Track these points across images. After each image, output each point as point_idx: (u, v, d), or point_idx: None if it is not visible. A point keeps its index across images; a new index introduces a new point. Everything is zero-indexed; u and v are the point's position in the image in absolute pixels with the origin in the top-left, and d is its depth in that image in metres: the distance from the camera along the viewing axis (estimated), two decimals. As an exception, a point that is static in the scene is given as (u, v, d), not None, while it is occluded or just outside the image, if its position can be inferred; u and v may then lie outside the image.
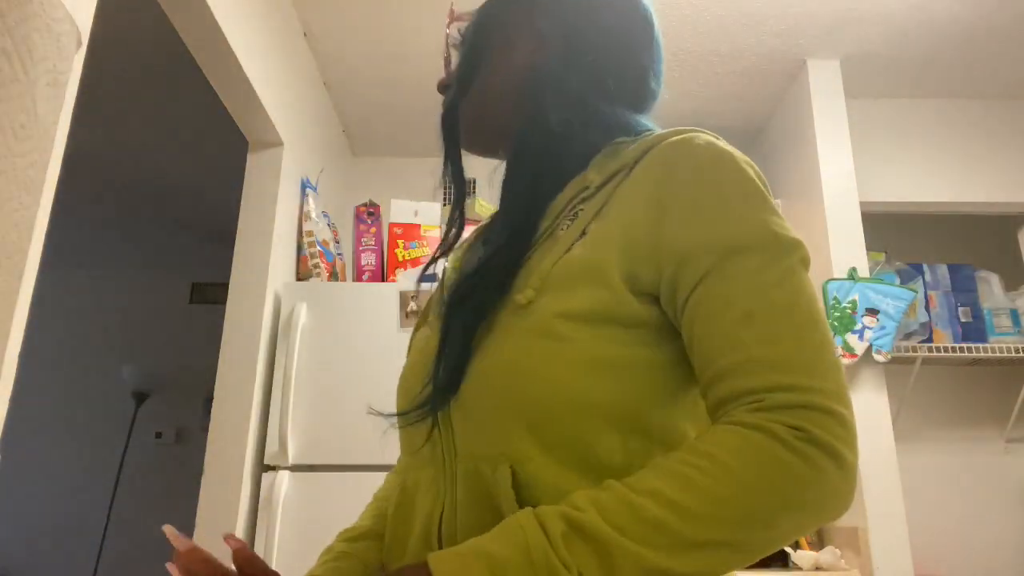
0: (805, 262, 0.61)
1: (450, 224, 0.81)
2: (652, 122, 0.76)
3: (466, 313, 0.66)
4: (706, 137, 0.65)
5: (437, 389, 0.65)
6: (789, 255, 0.60)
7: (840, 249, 2.40)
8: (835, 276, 2.35)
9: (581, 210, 0.68)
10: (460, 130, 0.80)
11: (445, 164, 0.80)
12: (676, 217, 0.61)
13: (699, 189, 0.62)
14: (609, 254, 0.61)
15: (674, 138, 0.66)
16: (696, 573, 0.51)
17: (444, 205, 2.81)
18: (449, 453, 0.65)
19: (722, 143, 0.65)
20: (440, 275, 0.83)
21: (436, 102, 0.85)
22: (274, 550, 1.89)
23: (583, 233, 0.65)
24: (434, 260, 0.81)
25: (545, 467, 0.59)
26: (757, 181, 0.63)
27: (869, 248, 2.49)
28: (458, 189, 0.80)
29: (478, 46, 0.78)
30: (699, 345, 0.59)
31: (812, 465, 0.52)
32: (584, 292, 0.61)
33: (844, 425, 0.53)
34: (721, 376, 0.57)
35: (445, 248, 0.81)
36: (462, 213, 0.81)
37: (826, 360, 0.56)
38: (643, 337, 0.61)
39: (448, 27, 0.85)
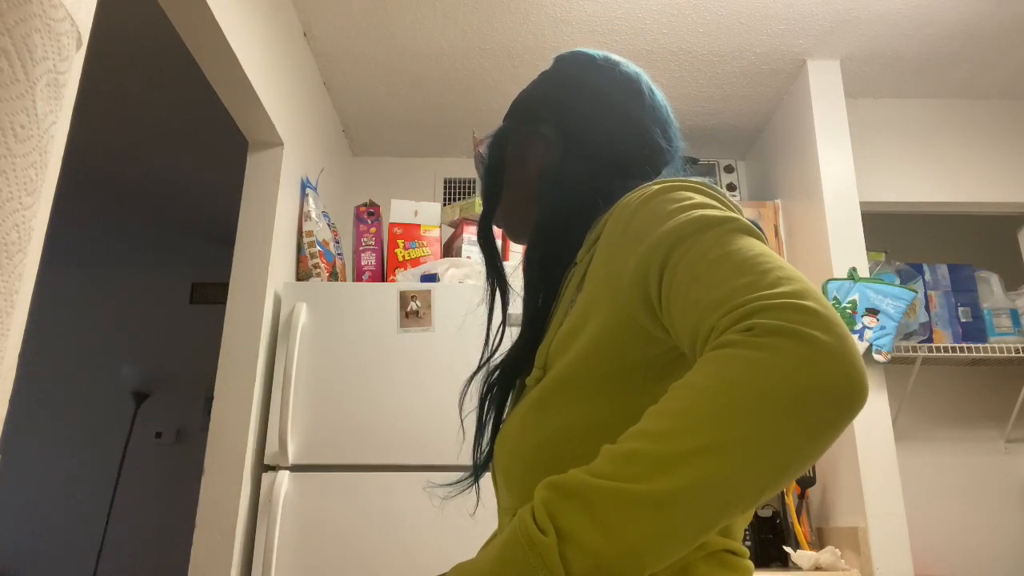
0: (742, 229, 0.60)
1: (491, 325, 0.90)
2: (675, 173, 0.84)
3: (494, 399, 0.82)
4: (653, 186, 0.68)
5: (475, 466, 0.84)
6: (719, 227, 0.60)
7: (840, 249, 2.40)
8: (835, 276, 2.35)
9: (569, 284, 0.76)
10: (506, 235, 0.91)
11: (488, 276, 0.90)
12: (629, 248, 0.65)
13: (635, 221, 0.66)
14: (589, 320, 0.67)
15: (630, 195, 0.70)
16: (685, 487, 0.47)
17: (444, 204, 2.81)
18: (501, 505, 0.77)
19: (661, 183, 0.68)
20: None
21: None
22: (274, 550, 1.89)
23: (572, 303, 0.73)
24: (482, 365, 0.89)
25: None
26: (685, 191, 0.65)
27: (869, 248, 2.49)
28: (503, 297, 0.89)
29: (494, 166, 0.88)
30: (674, 332, 0.60)
31: (767, 348, 0.48)
32: (561, 362, 0.69)
33: (804, 311, 0.49)
34: (690, 339, 0.57)
35: (491, 351, 0.88)
36: (505, 320, 0.89)
37: (772, 275, 0.53)
38: (618, 389, 0.65)
39: (475, 150, 0.95)
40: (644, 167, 0.84)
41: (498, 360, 0.84)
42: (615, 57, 0.88)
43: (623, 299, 0.64)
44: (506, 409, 0.83)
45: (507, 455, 0.71)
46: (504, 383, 0.82)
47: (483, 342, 0.89)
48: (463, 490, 0.85)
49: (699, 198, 0.64)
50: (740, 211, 0.67)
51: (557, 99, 0.86)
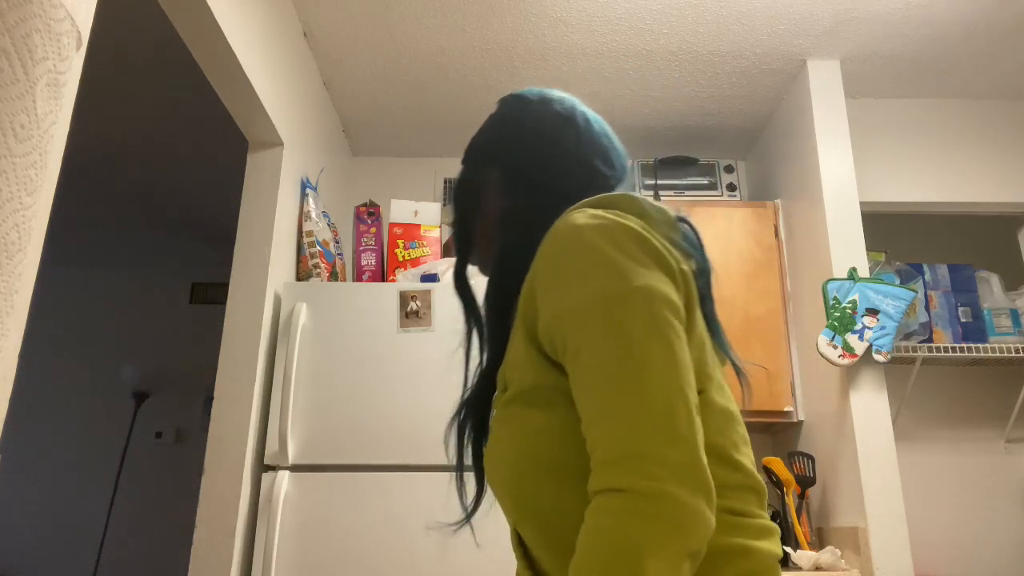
0: (644, 300, 0.66)
1: (469, 367, 0.95)
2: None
3: (470, 434, 0.87)
4: (572, 216, 0.74)
5: (466, 515, 0.89)
6: (613, 308, 0.66)
7: (840, 249, 2.40)
8: (835, 276, 2.35)
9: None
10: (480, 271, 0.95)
11: (466, 320, 0.93)
12: (538, 295, 0.73)
13: (545, 268, 0.72)
14: (519, 339, 0.75)
15: (557, 222, 0.75)
16: None
17: (444, 205, 2.82)
18: (508, 521, 0.81)
19: (584, 216, 0.73)
20: None
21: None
22: (274, 550, 1.89)
23: (514, 327, 0.79)
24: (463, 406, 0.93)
25: (523, 525, 0.74)
26: (600, 245, 0.70)
27: (869, 248, 2.49)
28: (480, 339, 0.93)
29: (459, 216, 0.94)
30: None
31: (602, 512, 0.60)
32: (516, 377, 0.75)
33: (626, 462, 0.60)
34: (588, 450, 0.66)
35: (466, 394, 0.92)
36: (483, 362, 0.92)
37: (620, 414, 0.62)
38: (562, 399, 0.71)
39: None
40: (589, 195, 0.87)
41: (466, 396, 0.90)
42: (551, 94, 0.93)
43: (535, 341, 0.73)
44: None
45: (494, 474, 0.76)
46: (475, 415, 0.88)
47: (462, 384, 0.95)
48: (461, 527, 0.92)
49: (599, 248, 0.69)
50: (657, 227, 0.75)
51: (499, 143, 0.92)
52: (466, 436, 0.88)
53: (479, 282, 0.92)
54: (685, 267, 0.73)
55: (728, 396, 0.76)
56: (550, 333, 0.70)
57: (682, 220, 0.81)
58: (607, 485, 0.60)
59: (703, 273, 0.79)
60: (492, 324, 0.87)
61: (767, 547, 0.69)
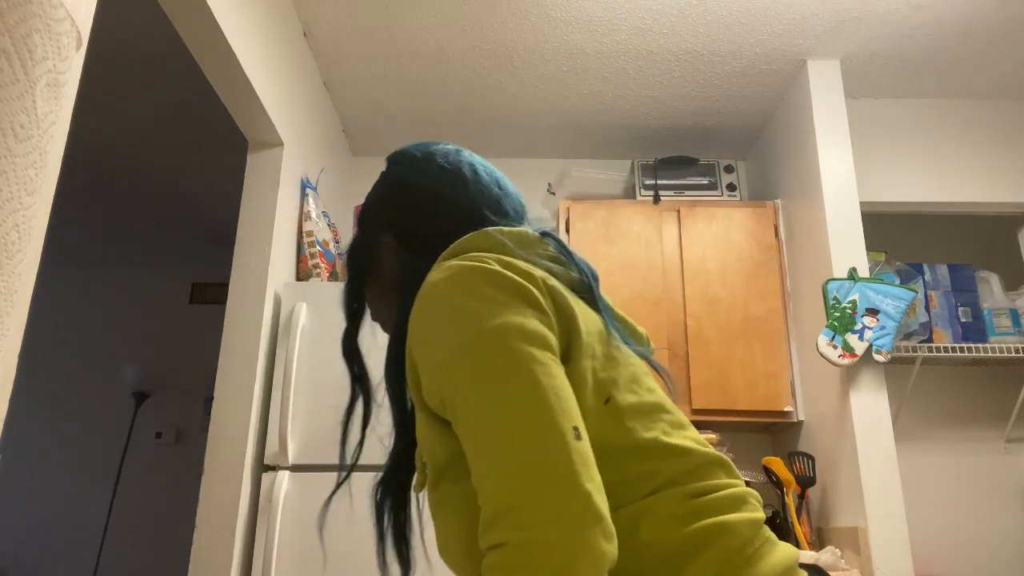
0: (498, 340, 0.65)
1: (347, 441, 0.94)
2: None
3: (392, 512, 0.86)
4: (429, 275, 0.73)
5: None
6: (469, 357, 0.65)
7: (840, 249, 2.40)
8: (835, 276, 2.35)
9: None
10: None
11: (352, 391, 0.94)
12: (417, 363, 0.72)
13: (413, 334, 0.72)
14: (419, 414, 0.73)
15: (426, 280, 0.74)
16: None
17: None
18: None
19: (437, 272, 0.72)
20: None
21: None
22: (274, 550, 1.89)
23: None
24: (340, 484, 0.93)
25: None
26: (450, 296, 0.69)
27: (869, 248, 2.49)
28: (365, 411, 0.94)
29: (351, 282, 0.93)
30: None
31: (487, 571, 0.58)
32: (430, 455, 0.73)
33: (500, 518, 0.58)
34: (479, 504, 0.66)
35: (350, 468, 0.92)
36: (363, 439, 0.94)
37: (492, 467, 0.61)
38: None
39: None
40: None
41: (380, 476, 0.89)
42: (436, 148, 0.91)
43: (430, 411, 0.71)
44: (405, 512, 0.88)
45: (450, 561, 0.74)
46: (393, 495, 0.87)
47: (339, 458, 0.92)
48: None
49: (457, 299, 0.68)
50: (514, 253, 0.74)
51: (387, 203, 0.90)
52: (385, 518, 0.86)
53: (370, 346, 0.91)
54: (553, 283, 0.72)
55: (647, 388, 0.74)
56: (433, 399, 0.69)
57: (546, 235, 0.80)
58: (488, 543, 0.59)
59: (580, 281, 0.78)
60: (393, 397, 0.86)
61: (745, 516, 0.67)
